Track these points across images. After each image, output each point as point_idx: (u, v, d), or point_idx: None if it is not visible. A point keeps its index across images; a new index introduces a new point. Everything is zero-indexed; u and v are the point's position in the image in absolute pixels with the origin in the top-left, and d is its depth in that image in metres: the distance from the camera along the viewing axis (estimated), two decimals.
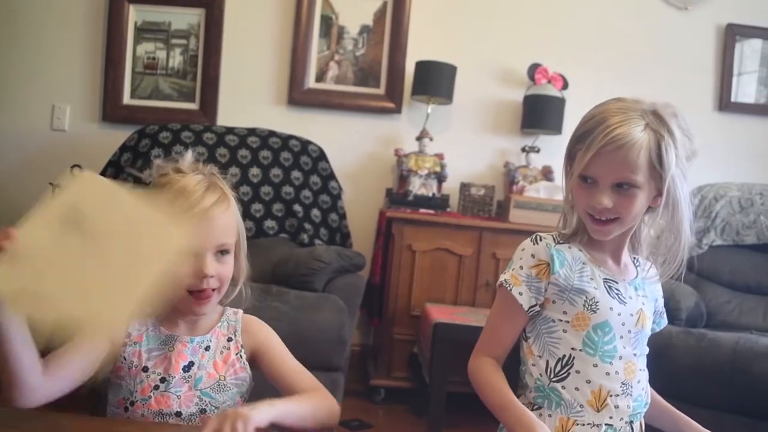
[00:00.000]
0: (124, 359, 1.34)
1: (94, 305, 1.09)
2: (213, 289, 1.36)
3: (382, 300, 3.56)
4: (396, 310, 3.49)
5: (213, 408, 1.37)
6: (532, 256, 1.38)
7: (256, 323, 1.52)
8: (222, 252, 1.38)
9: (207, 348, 1.40)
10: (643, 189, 1.31)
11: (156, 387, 1.34)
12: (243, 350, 1.45)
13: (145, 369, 1.35)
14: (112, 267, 1.10)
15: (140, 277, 1.10)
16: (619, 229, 1.36)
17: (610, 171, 1.30)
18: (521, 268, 1.38)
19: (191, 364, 1.37)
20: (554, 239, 1.41)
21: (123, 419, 1.35)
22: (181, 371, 1.36)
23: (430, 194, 3.78)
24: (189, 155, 1.43)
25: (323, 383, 2.74)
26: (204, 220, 1.32)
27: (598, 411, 1.33)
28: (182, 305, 1.35)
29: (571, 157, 1.39)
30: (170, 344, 1.38)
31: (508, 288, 1.37)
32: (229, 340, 1.44)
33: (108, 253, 1.10)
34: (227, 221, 1.39)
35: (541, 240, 1.40)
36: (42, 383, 1.21)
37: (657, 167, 1.30)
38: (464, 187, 3.88)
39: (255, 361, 1.47)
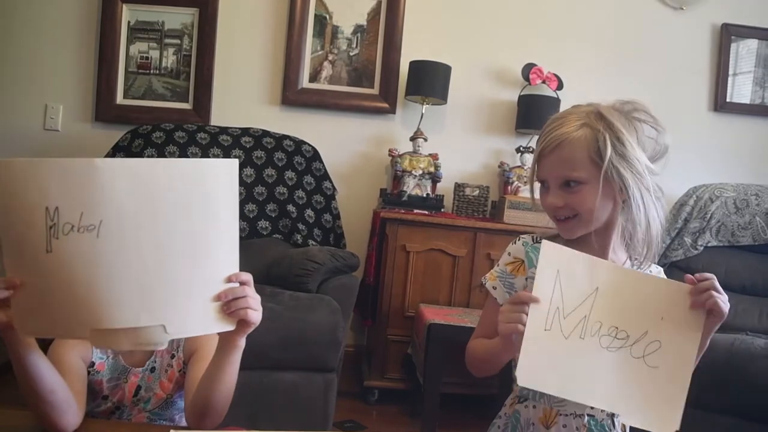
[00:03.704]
0: (87, 385, 1.38)
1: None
2: None
3: (376, 301, 3.55)
4: (390, 310, 3.47)
5: (162, 421, 1.46)
6: (509, 254, 1.47)
7: None
8: None
9: (152, 370, 1.45)
10: (589, 184, 1.33)
11: (112, 412, 1.42)
12: (185, 365, 1.48)
13: (105, 397, 1.42)
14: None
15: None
16: (583, 226, 1.38)
17: (553, 171, 1.36)
18: (498, 265, 1.47)
19: (139, 388, 1.44)
20: (533, 239, 1.47)
21: (114, 421, 1.43)
22: (132, 397, 1.43)
23: (425, 195, 3.77)
24: None
25: (317, 384, 2.76)
26: None
27: None
28: None
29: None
30: (124, 376, 1.43)
31: (484, 283, 1.47)
32: (172, 357, 1.48)
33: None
34: None
35: (519, 240, 1.48)
36: (76, 404, 1.27)
37: (598, 161, 1.32)
38: (458, 187, 3.87)
39: (188, 360, 1.50)
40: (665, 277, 1.48)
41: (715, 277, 1.27)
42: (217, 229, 1.11)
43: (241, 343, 1.26)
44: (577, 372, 1.24)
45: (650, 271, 1.47)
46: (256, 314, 1.18)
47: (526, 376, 1.22)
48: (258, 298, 1.18)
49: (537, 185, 1.45)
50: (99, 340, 1.04)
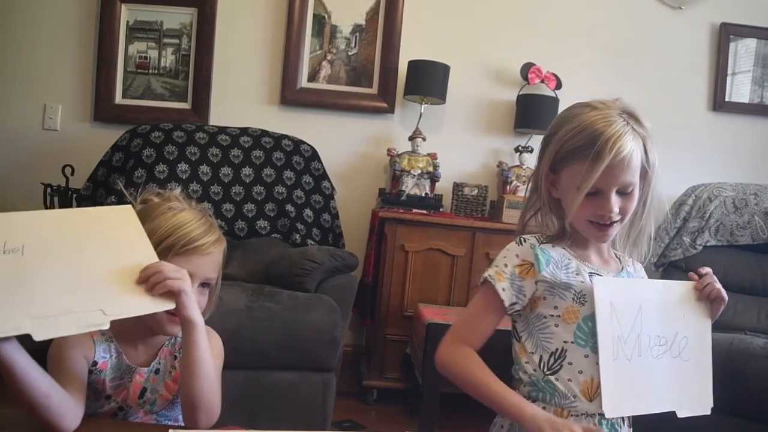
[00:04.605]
0: (89, 384, 1.37)
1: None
2: None
3: (375, 300, 3.55)
4: (389, 310, 3.48)
5: (168, 421, 1.45)
6: (517, 255, 1.43)
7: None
8: (204, 285, 1.44)
9: (157, 371, 1.44)
10: (636, 187, 1.39)
11: (115, 413, 1.40)
12: None
13: (108, 397, 1.40)
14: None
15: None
16: (619, 228, 1.43)
17: (617, 180, 1.36)
18: (506, 266, 1.43)
19: (144, 390, 1.42)
20: (538, 240, 1.46)
21: (116, 421, 1.41)
22: (137, 399, 1.42)
23: (423, 194, 3.77)
24: (177, 190, 1.52)
25: (316, 384, 2.76)
26: (202, 255, 1.40)
27: (591, 401, 1.36)
28: (155, 325, 1.39)
29: (555, 168, 1.44)
30: (129, 375, 1.42)
31: (493, 282, 1.41)
32: (175, 358, 1.47)
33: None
34: (218, 260, 1.47)
35: (525, 242, 1.45)
36: (75, 403, 1.27)
37: (645, 165, 1.39)
38: (457, 187, 3.87)
39: None
40: (645, 273, 1.58)
41: (710, 270, 1.45)
42: (129, 245, 1.25)
43: (194, 318, 1.28)
44: (646, 386, 1.37)
45: (634, 267, 1.54)
46: (176, 282, 1.22)
47: (613, 408, 1.33)
48: (177, 268, 1.24)
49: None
50: (42, 331, 1.08)
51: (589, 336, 1.37)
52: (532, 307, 1.43)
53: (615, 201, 1.36)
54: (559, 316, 1.39)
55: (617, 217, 1.38)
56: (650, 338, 1.37)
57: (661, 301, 1.41)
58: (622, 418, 1.40)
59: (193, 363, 1.30)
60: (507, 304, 1.40)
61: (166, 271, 1.21)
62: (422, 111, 3.89)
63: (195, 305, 1.28)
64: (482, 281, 1.45)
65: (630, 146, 1.34)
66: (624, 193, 1.38)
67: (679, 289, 1.45)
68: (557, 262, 1.42)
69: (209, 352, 1.33)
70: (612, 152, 1.32)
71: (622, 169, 1.34)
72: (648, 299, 1.40)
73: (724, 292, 1.44)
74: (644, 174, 1.40)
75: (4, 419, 1.29)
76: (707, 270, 1.46)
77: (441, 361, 1.44)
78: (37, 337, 1.06)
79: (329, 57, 4.04)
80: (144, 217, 1.39)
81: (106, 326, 1.13)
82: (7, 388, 1.15)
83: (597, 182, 1.35)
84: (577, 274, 1.41)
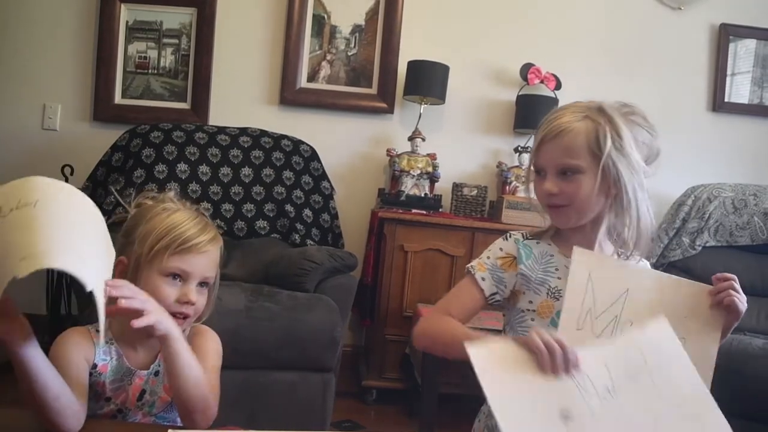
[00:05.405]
0: (89, 387, 1.37)
1: None
2: (185, 317, 1.41)
3: (374, 300, 3.55)
4: (388, 310, 3.47)
5: (166, 423, 1.45)
6: (501, 249, 1.51)
7: (203, 333, 1.53)
8: (202, 284, 1.44)
9: (156, 373, 1.44)
10: (586, 174, 1.38)
11: (114, 416, 1.41)
12: None
13: (107, 399, 1.40)
14: None
15: None
16: (576, 215, 1.42)
17: (552, 158, 1.40)
18: (488, 258, 1.51)
19: (143, 392, 1.42)
20: (523, 236, 1.51)
21: (116, 422, 1.41)
22: (136, 401, 1.42)
23: (423, 194, 3.77)
24: (173, 192, 1.52)
25: (315, 384, 2.75)
26: (198, 254, 1.40)
27: None
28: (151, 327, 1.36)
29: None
30: (129, 378, 1.42)
31: (473, 272, 1.48)
32: None
33: None
34: (215, 258, 1.46)
35: (510, 237, 1.52)
36: (79, 405, 1.27)
37: (596, 153, 1.37)
38: (457, 187, 3.87)
39: None
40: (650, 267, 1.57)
41: (735, 278, 1.38)
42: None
43: (166, 332, 1.26)
44: None
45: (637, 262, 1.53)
46: (147, 317, 1.21)
47: None
48: (143, 300, 1.22)
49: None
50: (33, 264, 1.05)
51: None
52: (514, 302, 1.48)
53: (553, 181, 1.40)
54: (534, 310, 1.44)
55: (563, 201, 1.40)
56: (632, 324, 1.32)
57: (659, 293, 1.37)
58: None
59: (179, 371, 1.30)
60: (487, 294, 1.46)
61: (137, 297, 1.21)
62: (422, 111, 3.89)
63: (162, 319, 1.25)
64: (466, 270, 1.53)
65: (568, 125, 1.38)
66: (567, 175, 1.39)
67: (689, 288, 1.39)
68: (537, 258, 1.46)
69: (191, 356, 1.32)
70: (546, 129, 1.39)
71: (558, 146, 1.39)
72: (640, 286, 1.36)
73: (739, 304, 1.36)
74: (597, 161, 1.37)
75: (4, 419, 1.29)
76: (729, 276, 1.38)
77: (416, 333, 1.49)
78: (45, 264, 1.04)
79: (329, 57, 4.04)
80: (139, 219, 1.41)
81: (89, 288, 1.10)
82: (19, 387, 1.16)
83: (540, 161, 1.42)
84: (556, 269, 1.45)
